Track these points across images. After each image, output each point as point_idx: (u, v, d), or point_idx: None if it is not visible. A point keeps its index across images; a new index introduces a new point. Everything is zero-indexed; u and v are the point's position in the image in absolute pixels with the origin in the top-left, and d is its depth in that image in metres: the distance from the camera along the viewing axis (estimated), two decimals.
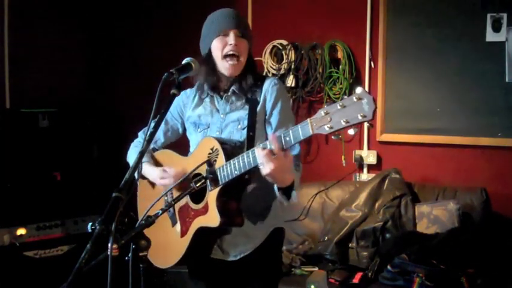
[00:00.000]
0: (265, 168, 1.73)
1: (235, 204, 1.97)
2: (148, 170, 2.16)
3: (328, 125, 1.64)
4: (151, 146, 2.24)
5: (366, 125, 1.62)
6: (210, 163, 1.89)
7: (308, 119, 1.68)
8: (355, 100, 1.58)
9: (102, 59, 4.73)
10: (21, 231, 3.53)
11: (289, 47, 4.01)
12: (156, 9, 4.63)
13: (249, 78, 2.06)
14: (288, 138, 1.70)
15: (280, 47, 4.05)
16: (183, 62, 1.84)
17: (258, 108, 2.05)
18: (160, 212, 1.74)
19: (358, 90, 1.57)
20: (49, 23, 4.31)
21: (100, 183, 3.92)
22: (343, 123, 1.61)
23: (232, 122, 2.07)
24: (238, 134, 2.05)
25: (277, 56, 4.08)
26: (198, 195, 2.01)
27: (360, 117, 1.57)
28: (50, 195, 3.76)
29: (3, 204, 3.54)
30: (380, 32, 3.77)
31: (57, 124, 3.87)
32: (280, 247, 2.22)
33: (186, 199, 2.04)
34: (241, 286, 2.11)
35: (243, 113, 2.06)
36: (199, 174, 1.96)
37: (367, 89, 3.87)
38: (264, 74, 4.08)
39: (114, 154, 3.34)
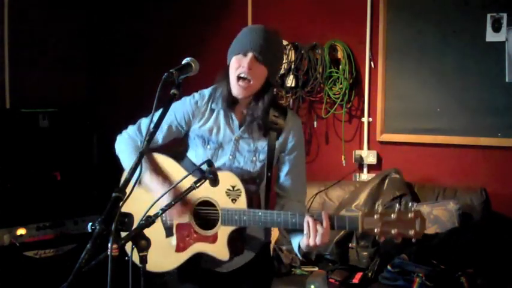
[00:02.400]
0: (312, 241, 1.81)
1: (243, 239, 2.03)
2: (150, 178, 2.04)
3: (378, 230, 1.74)
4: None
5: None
6: (209, 163, 1.88)
7: (359, 214, 1.78)
8: (410, 217, 1.70)
9: (102, 59, 4.74)
10: (21, 231, 3.53)
11: (289, 47, 4.00)
12: (156, 9, 4.63)
13: (265, 103, 1.99)
14: (333, 221, 1.82)
15: None
16: (183, 62, 1.83)
17: (277, 145, 2.04)
18: (160, 211, 1.74)
19: (417, 207, 1.73)
20: (49, 24, 4.31)
21: (100, 183, 3.92)
22: (393, 233, 1.73)
23: (248, 151, 2.04)
24: (252, 165, 2.04)
25: None
26: (203, 220, 2.02)
27: (410, 233, 1.70)
28: (50, 195, 3.75)
29: (3, 204, 3.54)
30: (380, 32, 3.77)
31: (57, 124, 3.87)
32: (269, 256, 2.28)
33: (190, 219, 2.03)
34: None
35: (260, 145, 2.04)
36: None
37: (367, 89, 3.87)
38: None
39: (114, 154, 3.34)
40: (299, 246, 1.94)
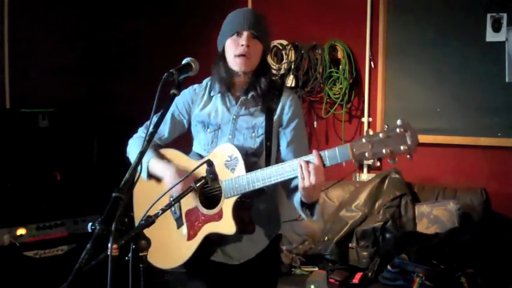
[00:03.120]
0: (306, 181, 1.79)
1: (250, 213, 2.00)
2: (160, 165, 2.07)
3: (369, 153, 1.67)
4: (156, 141, 2.21)
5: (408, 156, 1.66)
6: (209, 163, 1.89)
7: (348, 144, 1.73)
8: (398, 132, 1.64)
9: (102, 59, 4.73)
10: (21, 231, 3.53)
11: (289, 47, 4.01)
12: (156, 9, 4.64)
13: (264, 83, 2.05)
14: (332, 155, 1.78)
15: (280, 47, 4.05)
16: (183, 62, 1.84)
17: (275, 118, 2.05)
18: (160, 212, 1.73)
19: (402, 122, 1.64)
20: (49, 24, 4.31)
21: (100, 183, 3.91)
22: (385, 152, 1.65)
23: (247, 128, 2.06)
24: (252, 142, 2.05)
25: (277, 56, 4.09)
26: (209, 201, 2.02)
27: (402, 149, 1.63)
28: (50, 195, 3.75)
29: (3, 204, 3.53)
30: (380, 32, 3.77)
31: (57, 124, 3.87)
32: (279, 251, 2.26)
33: (196, 203, 2.04)
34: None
35: (258, 120, 2.06)
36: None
37: (367, 89, 3.87)
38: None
39: (114, 154, 3.34)
40: (300, 201, 1.93)
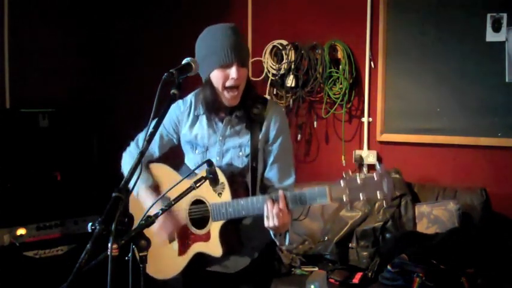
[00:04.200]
0: (270, 222, 1.85)
1: (237, 236, 2.04)
2: (148, 201, 2.10)
3: (347, 198, 1.73)
4: (148, 158, 2.23)
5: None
6: (210, 163, 1.89)
7: (326, 187, 1.78)
8: (375, 179, 1.69)
9: (102, 59, 4.73)
10: (21, 231, 3.53)
11: (289, 47, 4.00)
12: (156, 9, 4.64)
13: (248, 102, 2.05)
14: (302, 198, 1.83)
15: (280, 47, 4.05)
16: (183, 62, 1.84)
17: (260, 136, 2.06)
18: (160, 212, 1.74)
19: (380, 169, 1.69)
20: (49, 23, 4.31)
21: (100, 183, 3.92)
22: (361, 197, 1.71)
23: (233, 148, 2.07)
24: (239, 161, 2.06)
25: (277, 56, 4.08)
26: (199, 220, 2.05)
27: (378, 196, 1.69)
28: (50, 195, 3.76)
29: (3, 204, 3.54)
30: (380, 32, 3.77)
31: (57, 124, 3.87)
32: (274, 255, 2.30)
33: (186, 220, 2.07)
34: None
35: (244, 140, 2.06)
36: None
37: (367, 89, 3.87)
38: (264, 73, 4.08)
39: (114, 154, 3.34)
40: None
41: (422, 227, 3.37)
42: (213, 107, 2.06)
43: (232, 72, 1.96)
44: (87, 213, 3.81)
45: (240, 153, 2.06)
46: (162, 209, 1.76)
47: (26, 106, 3.82)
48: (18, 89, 4.07)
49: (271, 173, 2.08)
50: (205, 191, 1.98)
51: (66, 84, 4.38)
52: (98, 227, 1.39)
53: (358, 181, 1.71)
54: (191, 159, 2.15)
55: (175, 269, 2.12)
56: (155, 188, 2.17)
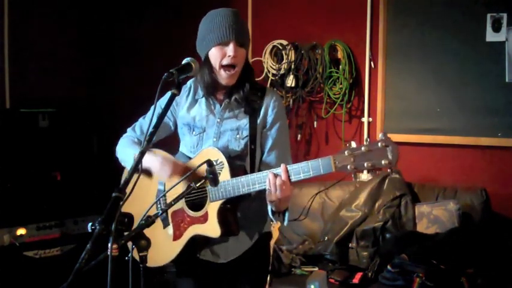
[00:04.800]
0: (273, 195, 1.84)
1: (234, 217, 2.02)
2: (147, 156, 2.00)
3: (351, 166, 1.72)
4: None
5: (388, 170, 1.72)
6: (210, 163, 1.89)
7: (331, 156, 1.77)
8: (380, 146, 1.67)
9: (102, 59, 4.73)
10: (21, 231, 3.53)
11: (289, 47, 4.01)
12: (156, 9, 4.63)
13: (246, 86, 2.06)
14: (305, 168, 1.82)
15: (280, 47, 4.05)
16: (183, 62, 1.84)
17: (259, 120, 2.06)
18: (160, 212, 1.74)
19: (384, 136, 1.68)
20: (49, 23, 4.31)
21: (100, 183, 3.92)
22: (366, 166, 1.70)
23: (231, 130, 2.07)
24: (236, 143, 2.06)
25: (277, 56, 4.08)
26: (195, 203, 2.04)
27: (383, 163, 1.67)
28: (50, 195, 3.76)
29: (3, 204, 3.54)
30: (380, 32, 3.77)
31: (57, 124, 3.87)
32: (267, 249, 2.26)
33: (182, 204, 2.06)
34: (229, 286, 2.14)
35: (242, 123, 2.07)
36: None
37: (367, 89, 3.87)
38: (264, 73, 4.09)
39: (114, 154, 3.34)
40: (271, 209, 1.96)
41: (422, 227, 3.37)
42: (211, 87, 2.07)
43: (229, 49, 1.97)
44: (87, 213, 3.81)
45: (237, 136, 2.06)
46: (162, 209, 1.76)
47: (26, 106, 3.82)
48: (18, 89, 4.07)
49: (270, 158, 2.08)
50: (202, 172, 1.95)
51: (66, 84, 4.38)
52: (98, 227, 1.39)
53: (363, 149, 1.70)
54: (188, 142, 2.14)
55: (169, 255, 2.10)
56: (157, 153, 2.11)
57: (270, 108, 2.07)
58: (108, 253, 1.38)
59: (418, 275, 2.90)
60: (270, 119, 2.08)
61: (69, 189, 3.85)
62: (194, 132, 2.12)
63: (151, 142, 1.65)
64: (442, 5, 3.59)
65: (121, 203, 1.44)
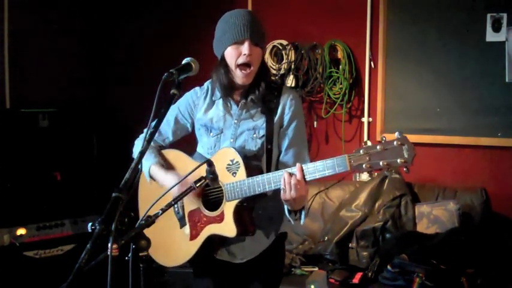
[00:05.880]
0: (287, 194, 1.84)
1: (250, 216, 2.03)
2: (161, 173, 2.12)
3: (367, 164, 1.71)
4: (160, 143, 2.26)
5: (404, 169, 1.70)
6: (210, 163, 1.89)
7: (346, 155, 1.76)
8: (395, 144, 1.67)
9: (102, 59, 4.73)
10: (21, 231, 3.53)
11: (289, 47, 4.01)
12: (156, 9, 4.63)
13: (262, 86, 2.07)
14: (320, 168, 1.82)
15: (280, 47, 4.05)
16: (183, 62, 1.84)
17: (275, 119, 2.07)
18: (160, 212, 1.73)
19: (400, 134, 1.67)
20: (49, 23, 4.30)
21: (100, 183, 3.92)
22: (381, 165, 1.69)
23: (248, 130, 2.08)
24: (253, 143, 2.07)
25: (277, 56, 4.09)
26: (211, 202, 2.05)
27: (399, 162, 1.66)
28: (50, 195, 3.76)
29: (3, 204, 3.54)
30: (380, 32, 3.77)
31: (57, 124, 3.87)
32: (283, 249, 2.26)
33: (198, 204, 2.07)
34: (244, 286, 2.14)
35: (259, 122, 2.08)
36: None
37: (367, 89, 3.87)
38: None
39: (114, 154, 3.34)
40: (287, 208, 1.96)
41: (422, 227, 3.37)
42: (228, 88, 2.08)
43: (244, 48, 1.99)
44: (87, 213, 3.81)
45: (254, 135, 2.06)
46: (162, 209, 1.75)
47: (26, 106, 3.82)
48: (18, 89, 4.07)
49: (287, 157, 2.08)
50: (218, 172, 1.94)
51: (66, 84, 4.38)
52: (98, 227, 1.39)
53: (378, 148, 1.69)
54: (205, 143, 2.15)
55: (186, 255, 2.10)
56: (169, 167, 2.17)
57: (286, 107, 2.08)
58: (108, 253, 1.38)
59: (418, 275, 2.90)
60: (286, 118, 2.08)
61: (69, 189, 3.85)
62: (212, 134, 2.13)
63: (151, 142, 1.65)
64: (442, 5, 3.59)
65: (121, 203, 1.44)
